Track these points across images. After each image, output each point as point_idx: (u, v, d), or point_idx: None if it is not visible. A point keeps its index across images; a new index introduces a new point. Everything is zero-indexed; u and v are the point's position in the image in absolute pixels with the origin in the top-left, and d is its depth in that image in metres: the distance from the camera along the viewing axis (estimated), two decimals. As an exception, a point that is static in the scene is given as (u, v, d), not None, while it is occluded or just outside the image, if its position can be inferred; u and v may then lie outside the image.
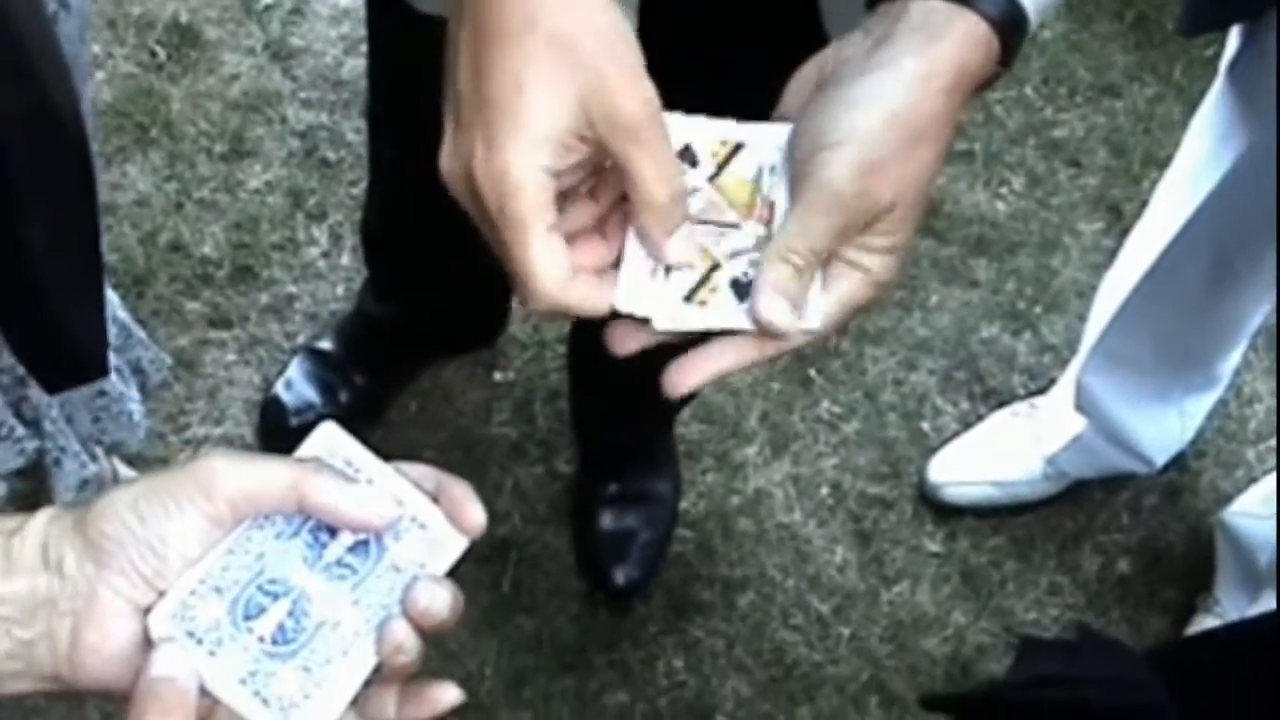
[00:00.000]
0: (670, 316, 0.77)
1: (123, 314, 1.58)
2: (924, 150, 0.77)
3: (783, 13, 1.16)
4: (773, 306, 0.76)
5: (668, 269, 0.77)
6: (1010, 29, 0.79)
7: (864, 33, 0.80)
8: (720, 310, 0.78)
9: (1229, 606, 2.10)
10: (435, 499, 0.72)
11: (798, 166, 0.77)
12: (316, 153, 2.28)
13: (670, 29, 1.43)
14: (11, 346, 1.30)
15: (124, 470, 1.96)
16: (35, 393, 1.39)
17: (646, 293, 0.77)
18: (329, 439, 0.73)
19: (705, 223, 0.78)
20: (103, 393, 1.51)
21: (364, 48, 2.35)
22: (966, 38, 0.77)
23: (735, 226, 0.79)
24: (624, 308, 0.76)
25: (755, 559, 2.12)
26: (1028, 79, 2.48)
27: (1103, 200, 2.44)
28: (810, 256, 0.76)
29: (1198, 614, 2.13)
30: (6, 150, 1.06)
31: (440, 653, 1.99)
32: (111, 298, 1.43)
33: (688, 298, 0.78)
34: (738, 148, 0.79)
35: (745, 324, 0.77)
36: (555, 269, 0.74)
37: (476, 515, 0.72)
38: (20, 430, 1.39)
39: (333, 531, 0.70)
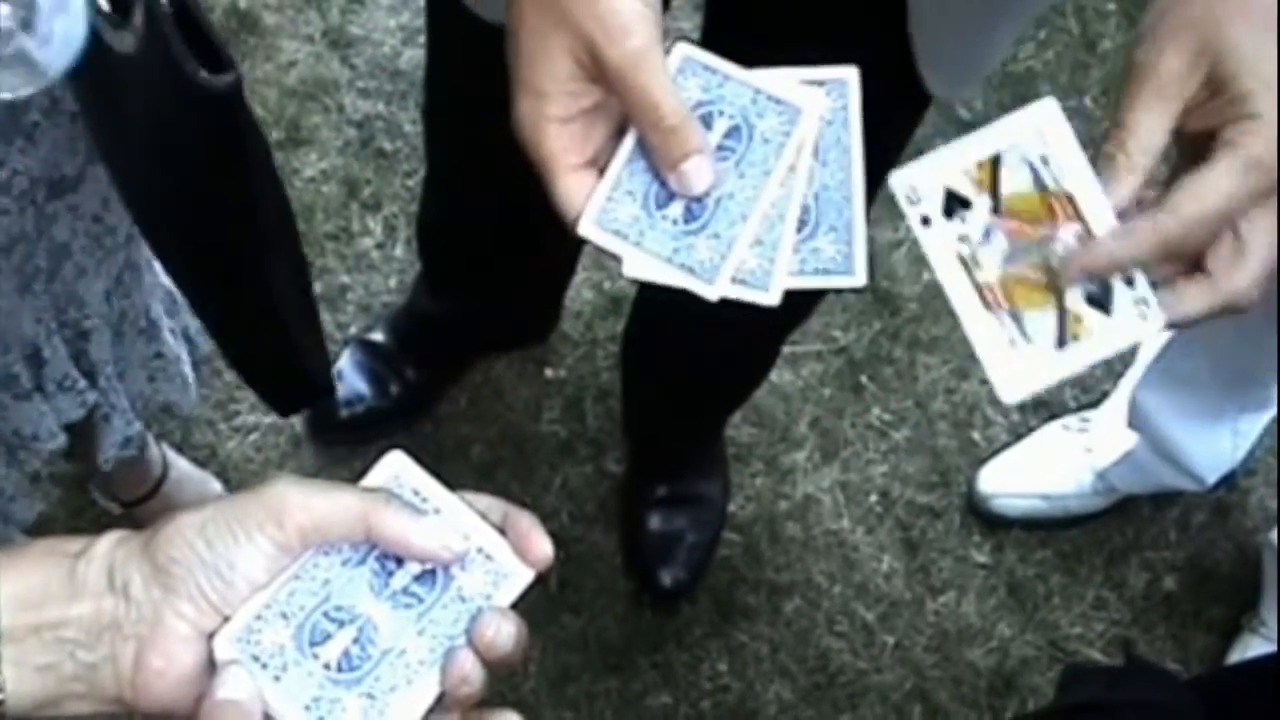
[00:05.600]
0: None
1: (167, 281, 1.58)
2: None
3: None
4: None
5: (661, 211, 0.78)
6: None
7: None
8: (1104, 335, 0.76)
9: (1275, 627, 2.09)
10: (502, 530, 0.72)
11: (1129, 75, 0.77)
12: (373, 143, 2.28)
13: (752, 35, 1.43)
14: (247, 378, 1.42)
15: (173, 457, 1.97)
16: (94, 348, 1.41)
17: (629, 229, 0.78)
18: (396, 467, 0.73)
19: (1017, 265, 0.76)
20: (160, 354, 1.53)
21: (422, 39, 2.35)
22: None
23: (1051, 241, 0.76)
24: (587, 234, 0.77)
25: (802, 565, 2.11)
26: (1087, 89, 2.46)
27: (1158, 214, 2.43)
28: (1151, 147, 0.75)
29: (1243, 633, 2.13)
30: (258, 195, 1.12)
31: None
32: (156, 265, 1.44)
33: (1059, 343, 0.76)
34: (996, 162, 0.77)
35: (1142, 332, 0.76)
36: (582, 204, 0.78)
37: (543, 547, 0.71)
38: (82, 383, 1.42)
39: (399, 560, 0.70)
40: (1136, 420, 2.06)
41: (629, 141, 0.78)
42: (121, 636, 0.66)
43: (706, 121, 0.79)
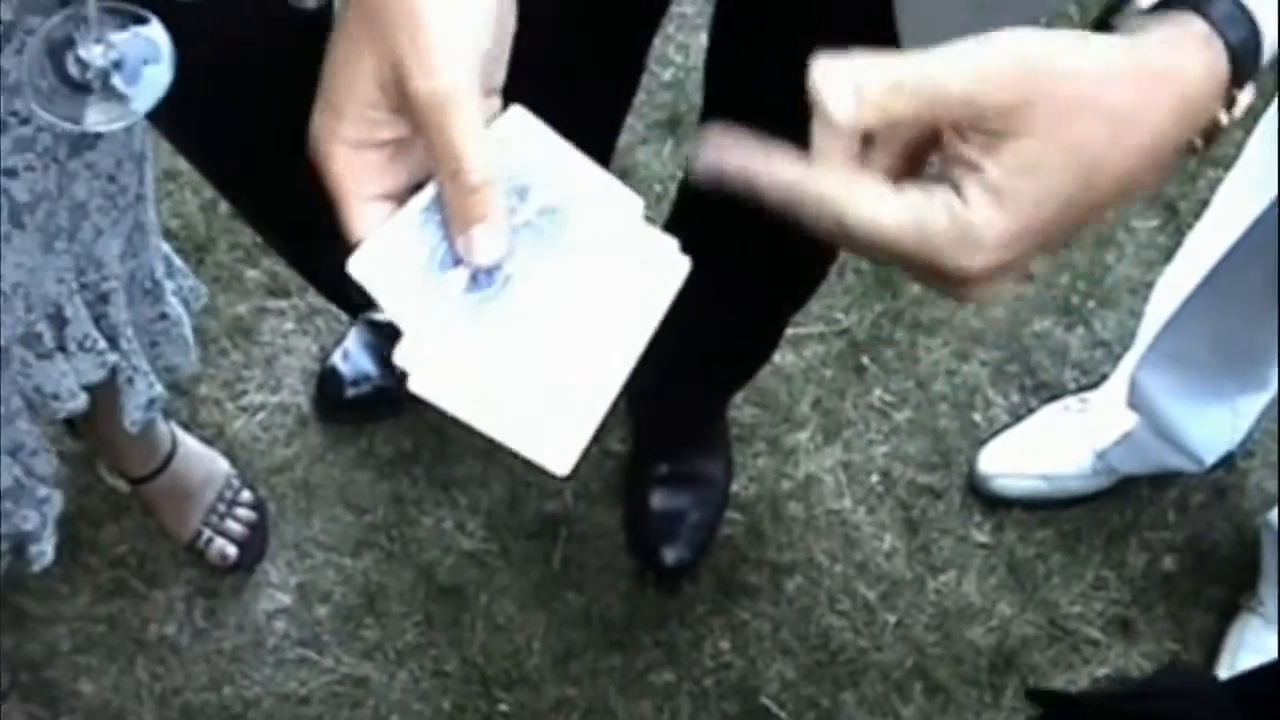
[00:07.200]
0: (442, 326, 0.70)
1: (163, 243, 1.61)
2: (1097, 126, 0.66)
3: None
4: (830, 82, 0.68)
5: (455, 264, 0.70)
6: (1242, 56, 0.68)
7: None
8: None
9: (1273, 607, 2.11)
10: None
11: None
12: (379, 125, 2.28)
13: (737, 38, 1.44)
14: (324, 287, 1.60)
15: (181, 435, 1.98)
16: (113, 310, 1.43)
17: (403, 279, 0.70)
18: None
19: None
20: (164, 315, 1.56)
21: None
22: (1184, 38, 0.68)
23: None
24: (355, 272, 0.69)
25: (804, 544, 2.13)
26: (1088, 73, 2.47)
27: (1158, 197, 2.44)
28: (886, 90, 0.67)
29: (1242, 613, 2.14)
30: None
31: (488, 626, 2.01)
32: (155, 225, 1.49)
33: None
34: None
35: None
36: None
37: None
38: (102, 344, 1.44)
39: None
40: (1136, 401, 2.07)
41: (431, 188, 0.70)
42: None
43: (521, 195, 0.71)
